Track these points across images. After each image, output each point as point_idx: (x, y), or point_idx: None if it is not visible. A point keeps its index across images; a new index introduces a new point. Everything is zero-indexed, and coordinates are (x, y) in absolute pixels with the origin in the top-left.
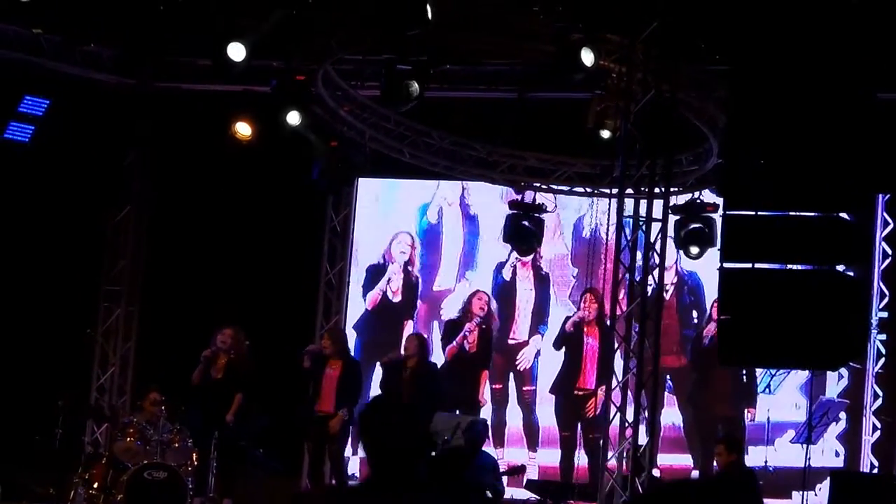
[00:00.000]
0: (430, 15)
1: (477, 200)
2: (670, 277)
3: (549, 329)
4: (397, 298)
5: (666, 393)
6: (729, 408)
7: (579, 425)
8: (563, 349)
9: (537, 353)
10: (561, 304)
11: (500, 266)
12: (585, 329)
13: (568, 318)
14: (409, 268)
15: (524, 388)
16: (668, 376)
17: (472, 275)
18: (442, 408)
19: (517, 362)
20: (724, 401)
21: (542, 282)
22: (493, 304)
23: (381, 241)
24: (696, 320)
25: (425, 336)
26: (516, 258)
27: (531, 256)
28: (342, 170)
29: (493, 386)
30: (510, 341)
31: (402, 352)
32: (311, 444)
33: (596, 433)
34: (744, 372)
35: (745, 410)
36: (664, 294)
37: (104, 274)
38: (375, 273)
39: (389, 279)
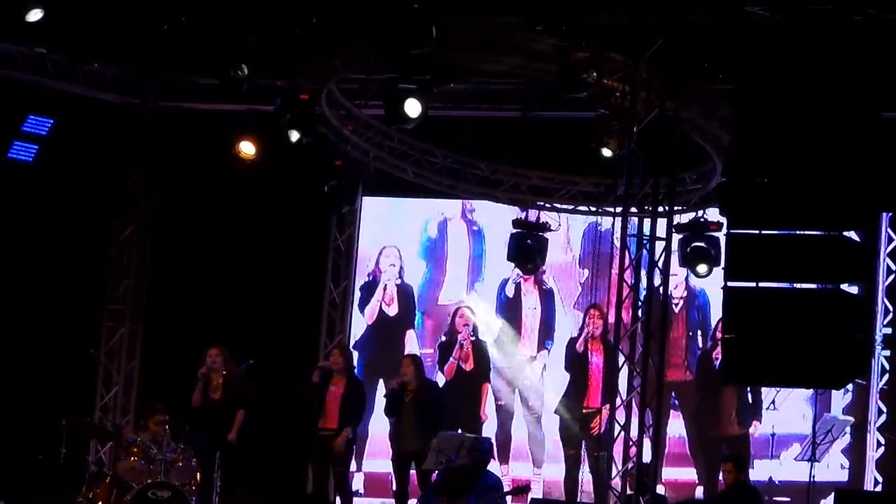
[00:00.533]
0: (434, 34)
1: (481, 215)
2: (680, 291)
3: (554, 343)
4: (393, 311)
5: (671, 410)
6: (734, 427)
7: (584, 443)
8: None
9: (543, 368)
10: (568, 313)
11: (504, 283)
12: (590, 346)
13: (573, 339)
14: (400, 278)
15: (530, 404)
16: (672, 393)
17: (480, 286)
18: (446, 426)
19: (525, 379)
20: (729, 420)
21: (547, 297)
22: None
23: (373, 259)
24: (699, 338)
25: (419, 355)
26: (518, 275)
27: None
28: (346, 189)
29: (498, 402)
30: (517, 357)
31: (402, 377)
32: (315, 464)
33: (601, 450)
34: (748, 389)
35: (752, 423)
36: (673, 307)
37: (108, 293)
38: (368, 289)
39: (385, 286)
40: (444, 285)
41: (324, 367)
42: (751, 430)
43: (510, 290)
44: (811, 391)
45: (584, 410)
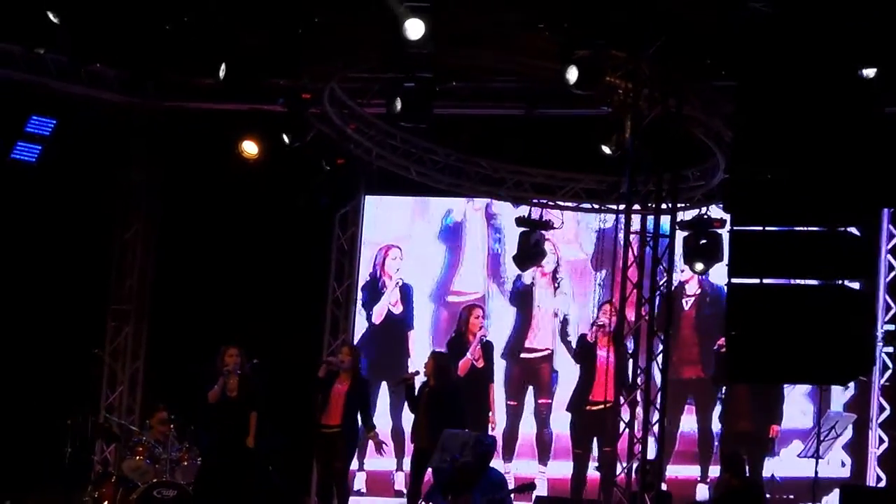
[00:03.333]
0: (411, 35)
1: (503, 216)
2: (693, 289)
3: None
4: (398, 310)
5: (686, 406)
6: (750, 424)
7: (595, 440)
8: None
9: (554, 364)
10: (579, 311)
11: (520, 276)
12: (599, 340)
13: (584, 334)
14: (401, 279)
15: (540, 401)
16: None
17: (499, 285)
18: (460, 427)
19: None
20: (744, 417)
21: (562, 294)
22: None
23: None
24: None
25: (445, 353)
26: (535, 269)
27: (552, 267)
28: (343, 188)
29: (509, 402)
30: (524, 355)
31: (423, 371)
32: (319, 461)
33: (606, 448)
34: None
35: (770, 428)
36: (684, 304)
37: (112, 293)
38: (372, 290)
39: (394, 287)
40: (459, 278)
41: (330, 362)
42: (771, 434)
43: (527, 279)
44: (811, 387)
45: (586, 407)
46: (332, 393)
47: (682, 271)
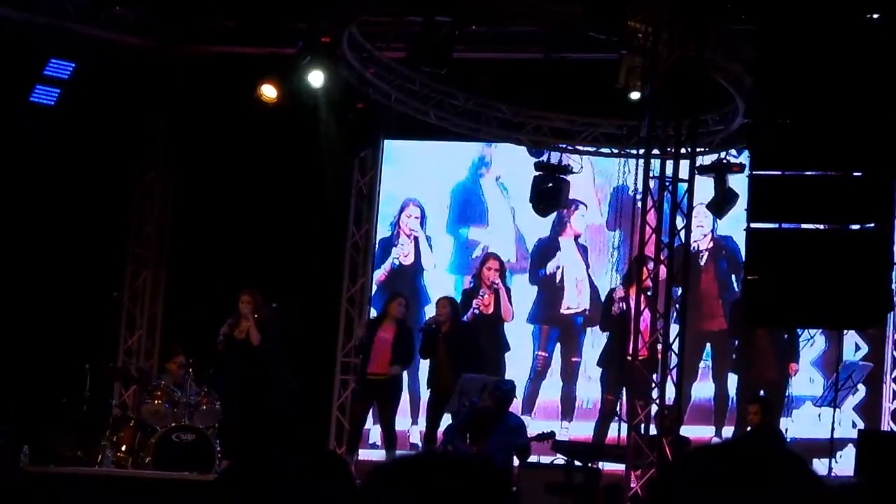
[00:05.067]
0: None
1: (505, 169)
2: (706, 244)
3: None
4: (409, 261)
5: (702, 364)
6: (772, 371)
7: (624, 391)
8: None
9: (585, 323)
10: (601, 273)
11: (541, 241)
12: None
13: (610, 297)
14: (417, 236)
15: (572, 359)
16: (708, 344)
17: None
18: (479, 366)
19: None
20: (768, 365)
21: (583, 252)
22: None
23: (394, 211)
24: (736, 285)
25: (454, 298)
26: (555, 230)
27: (572, 225)
28: (363, 132)
29: (539, 353)
30: (564, 311)
31: (437, 316)
32: (358, 407)
33: (639, 401)
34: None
35: (789, 367)
36: (699, 260)
37: (131, 237)
38: (386, 247)
39: (402, 248)
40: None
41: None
42: (790, 373)
43: (547, 247)
44: (820, 352)
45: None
46: (375, 341)
47: (701, 226)
